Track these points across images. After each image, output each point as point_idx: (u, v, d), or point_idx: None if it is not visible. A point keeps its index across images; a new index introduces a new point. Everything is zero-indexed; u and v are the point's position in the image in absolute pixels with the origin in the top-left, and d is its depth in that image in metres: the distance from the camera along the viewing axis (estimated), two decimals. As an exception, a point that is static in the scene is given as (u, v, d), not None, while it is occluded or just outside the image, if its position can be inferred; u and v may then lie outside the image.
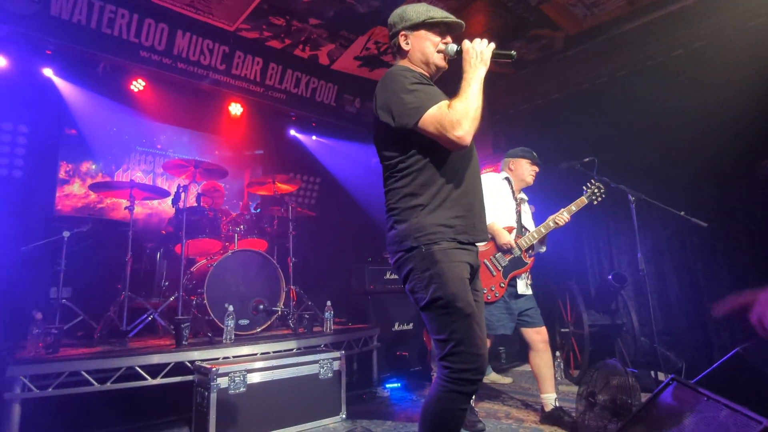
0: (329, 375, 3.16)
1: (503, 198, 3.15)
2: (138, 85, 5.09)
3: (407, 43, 1.82)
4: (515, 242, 3.00)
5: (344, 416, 3.18)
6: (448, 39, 1.82)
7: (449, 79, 1.81)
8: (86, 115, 4.83)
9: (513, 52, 1.70)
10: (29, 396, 2.55)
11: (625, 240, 4.65)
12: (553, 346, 3.95)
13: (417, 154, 1.68)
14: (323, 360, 3.15)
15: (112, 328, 3.52)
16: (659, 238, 4.37)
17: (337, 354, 3.26)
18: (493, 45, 1.71)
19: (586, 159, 3.35)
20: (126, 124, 5.19)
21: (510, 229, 3.04)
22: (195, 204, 4.23)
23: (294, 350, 3.42)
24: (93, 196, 4.90)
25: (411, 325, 4.65)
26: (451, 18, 1.80)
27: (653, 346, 3.16)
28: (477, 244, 1.75)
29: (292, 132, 6.51)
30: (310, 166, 6.59)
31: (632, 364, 3.91)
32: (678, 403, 2.00)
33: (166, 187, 5.05)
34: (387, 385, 4.04)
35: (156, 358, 2.91)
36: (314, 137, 6.65)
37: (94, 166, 4.95)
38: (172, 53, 4.83)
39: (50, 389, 2.61)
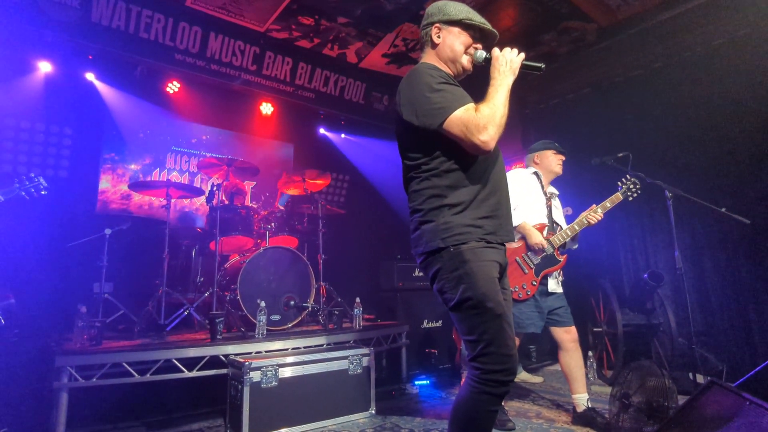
0: (358, 371, 3.19)
1: (533, 194, 3.11)
2: (173, 87, 5.26)
3: (438, 37, 1.80)
4: (548, 239, 2.96)
5: (373, 412, 3.21)
6: (479, 45, 1.80)
7: (474, 85, 1.80)
8: (125, 117, 5.02)
9: (542, 65, 1.70)
10: (75, 385, 2.68)
11: (661, 237, 4.51)
12: (586, 346, 3.88)
13: (441, 156, 1.65)
14: (352, 356, 3.19)
15: (150, 322, 3.66)
16: (698, 236, 4.22)
17: (366, 350, 3.29)
18: (522, 55, 1.69)
19: (620, 154, 3.27)
20: (162, 125, 5.36)
21: (542, 227, 2.98)
22: (227, 202, 4.34)
23: (324, 346, 3.47)
24: (135, 196, 5.08)
25: (440, 322, 4.65)
26: (488, 26, 1.79)
27: (691, 347, 3.06)
28: (504, 244, 1.73)
29: (322, 130, 6.59)
30: (339, 163, 6.65)
31: (669, 365, 3.79)
32: (718, 407, 1.94)
33: (201, 186, 5.21)
34: (416, 382, 4.06)
35: (192, 352, 3.01)
36: (343, 135, 6.71)
37: (133, 166, 5.14)
38: (205, 55, 4.97)
39: (94, 379, 2.74)
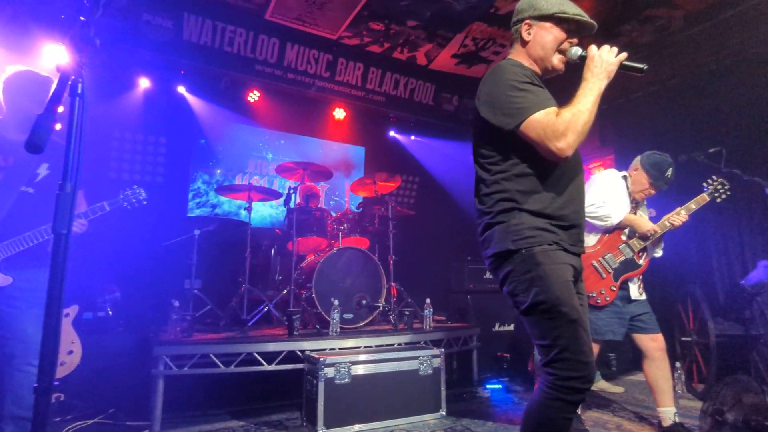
0: (429, 372, 3.21)
1: (619, 197, 2.90)
2: (254, 96, 5.60)
3: (529, 33, 1.69)
4: (628, 243, 2.80)
5: (444, 413, 3.21)
6: (574, 40, 1.67)
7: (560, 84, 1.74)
8: (212, 126, 5.44)
9: (644, 66, 1.56)
10: (170, 373, 2.95)
11: (761, 240, 4.09)
12: (673, 356, 3.62)
13: (515, 158, 1.59)
14: (423, 356, 3.22)
15: (234, 317, 3.92)
16: (808, 239, 3.78)
17: (436, 351, 3.30)
18: (623, 56, 1.56)
19: (712, 149, 3.02)
20: (244, 132, 5.74)
21: (620, 230, 2.84)
22: (303, 204, 4.54)
23: (395, 345, 3.53)
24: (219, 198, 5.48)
25: (512, 326, 4.55)
26: (585, 17, 1.64)
27: (799, 363, 2.76)
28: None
29: (392, 133, 6.69)
30: (409, 165, 6.71)
31: (772, 381, 3.44)
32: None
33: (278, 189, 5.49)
34: (487, 386, 4.00)
35: (271, 346, 3.20)
36: (413, 137, 6.77)
37: (218, 171, 5.55)
38: (282, 65, 5.24)
39: (186, 368, 2.99)
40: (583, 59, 1.61)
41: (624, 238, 2.84)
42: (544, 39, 1.67)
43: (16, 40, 3.98)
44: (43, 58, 4.11)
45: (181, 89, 5.23)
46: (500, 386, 4.05)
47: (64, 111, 1.17)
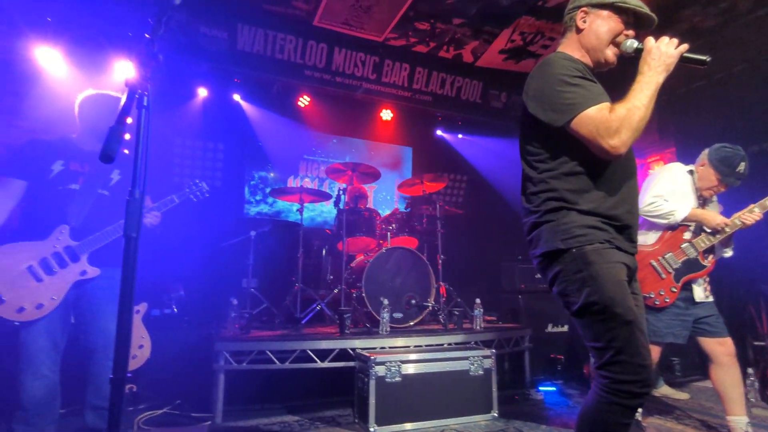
0: (480, 372, 3.18)
1: (684, 193, 2.75)
2: (304, 100, 5.77)
3: (584, 21, 1.63)
4: (692, 242, 2.65)
5: (496, 414, 3.17)
6: (631, 33, 1.60)
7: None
8: (265, 131, 5.66)
9: (707, 58, 1.47)
10: (229, 368, 3.10)
11: None
12: (745, 362, 3.39)
13: (564, 156, 1.54)
14: (473, 357, 3.19)
15: (288, 315, 4.05)
16: None
17: (487, 352, 3.26)
18: (683, 48, 1.48)
19: (787, 140, 2.80)
20: (295, 136, 5.93)
21: (684, 228, 2.69)
22: (352, 205, 4.62)
23: (444, 345, 3.53)
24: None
25: (565, 327, 4.41)
26: (645, 10, 1.58)
27: None
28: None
29: (439, 132, 6.67)
30: (457, 164, 6.66)
31: None
32: None
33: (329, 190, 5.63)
34: (540, 388, 3.91)
35: (324, 344, 3.29)
36: (460, 135, 6.71)
37: (272, 174, 5.76)
38: (331, 69, 5.37)
39: (244, 364, 3.14)
40: (639, 52, 1.53)
41: (688, 236, 2.69)
42: (600, 29, 1.61)
43: (91, 60, 4.32)
44: (114, 73, 4.44)
45: (236, 97, 5.47)
46: (554, 389, 3.95)
47: (132, 122, 1.28)
